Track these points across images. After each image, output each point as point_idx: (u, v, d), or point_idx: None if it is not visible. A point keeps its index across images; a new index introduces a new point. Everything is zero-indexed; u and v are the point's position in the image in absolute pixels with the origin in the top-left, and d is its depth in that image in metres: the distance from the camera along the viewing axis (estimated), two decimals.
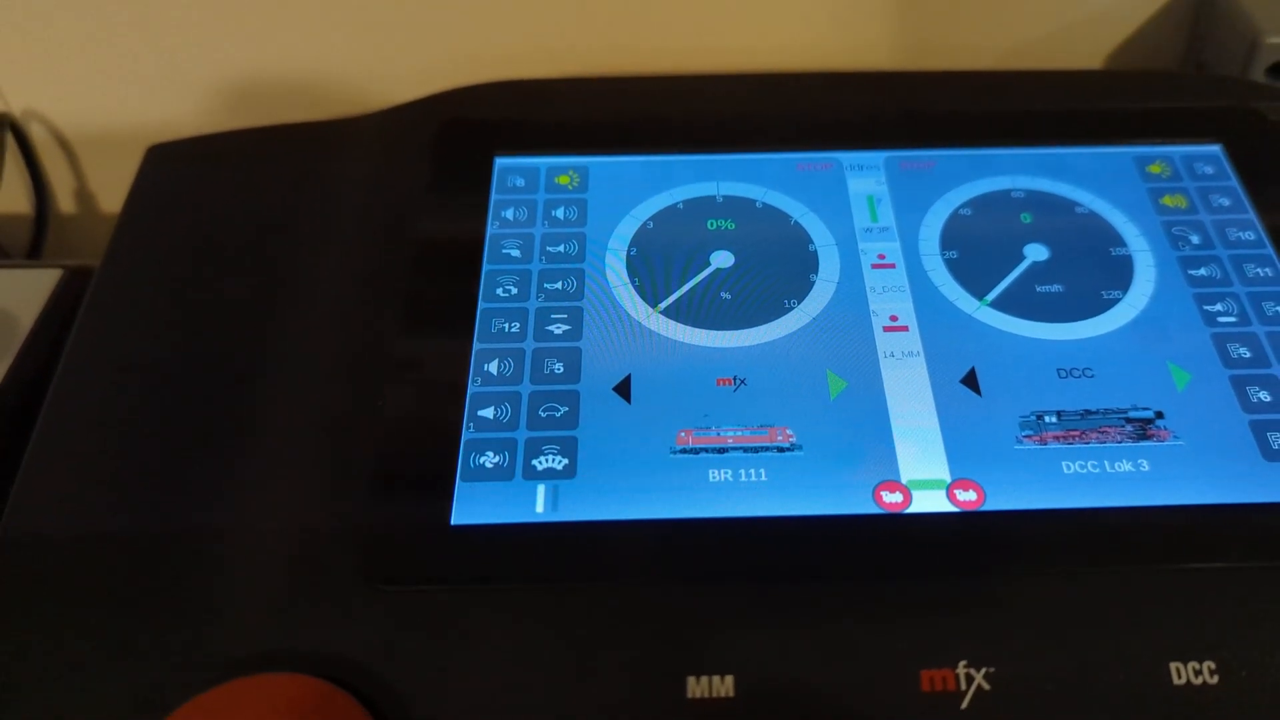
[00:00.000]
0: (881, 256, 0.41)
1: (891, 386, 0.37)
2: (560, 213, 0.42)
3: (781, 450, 0.35)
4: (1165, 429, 0.36)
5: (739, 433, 0.36)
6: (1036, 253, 0.41)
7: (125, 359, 0.39)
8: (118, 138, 0.57)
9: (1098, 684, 0.30)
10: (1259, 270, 0.40)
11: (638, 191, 0.43)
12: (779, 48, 0.54)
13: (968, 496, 0.34)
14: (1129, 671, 0.31)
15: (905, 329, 0.39)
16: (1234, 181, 0.43)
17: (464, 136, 0.45)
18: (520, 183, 0.43)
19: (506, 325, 0.39)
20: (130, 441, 0.37)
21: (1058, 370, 0.37)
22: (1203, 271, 0.40)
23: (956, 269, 0.40)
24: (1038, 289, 0.40)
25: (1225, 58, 0.52)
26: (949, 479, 0.34)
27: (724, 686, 0.30)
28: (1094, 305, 0.39)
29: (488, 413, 0.36)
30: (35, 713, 0.31)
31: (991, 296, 0.40)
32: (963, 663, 0.31)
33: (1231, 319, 0.39)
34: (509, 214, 0.42)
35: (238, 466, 0.36)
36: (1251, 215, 0.42)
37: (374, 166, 0.45)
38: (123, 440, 0.37)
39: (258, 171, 0.46)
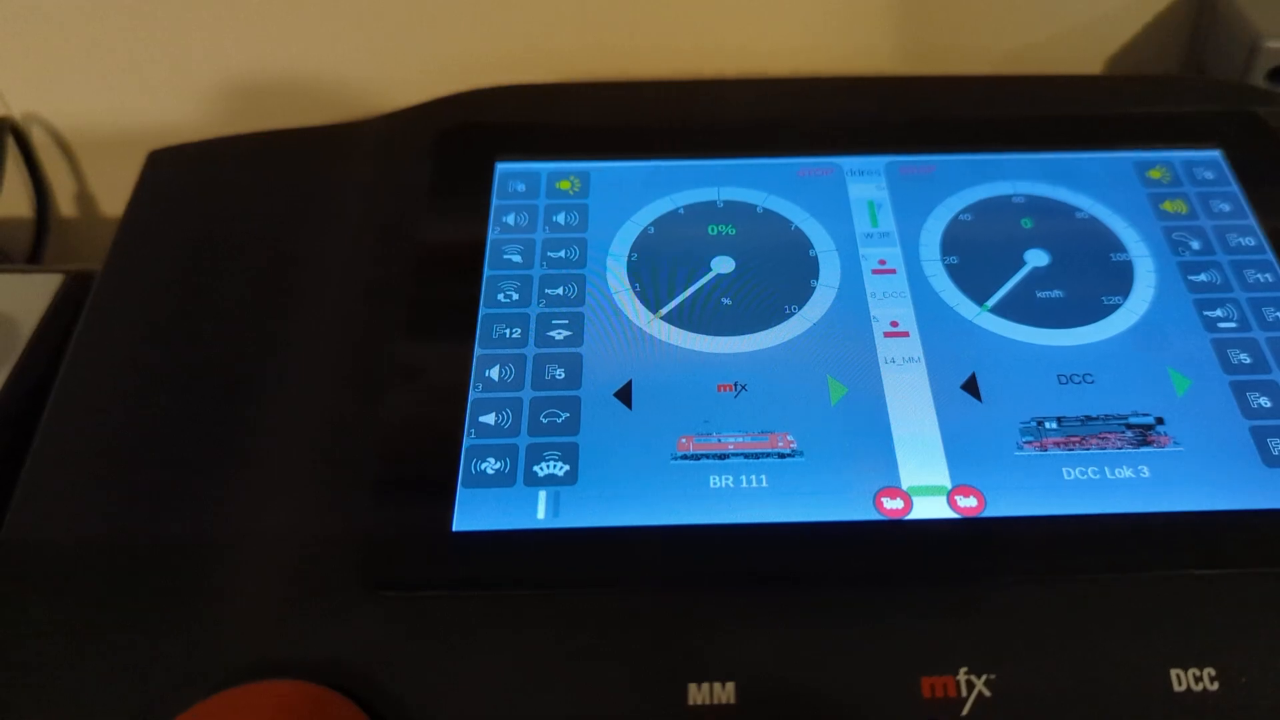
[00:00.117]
0: (882, 262, 0.41)
1: (892, 392, 0.37)
2: (561, 218, 0.42)
3: (782, 456, 0.35)
4: (1165, 435, 0.36)
5: (740, 439, 0.36)
6: (1037, 258, 0.41)
7: (127, 365, 0.39)
8: (119, 142, 0.57)
9: (1098, 691, 0.31)
10: (1259, 276, 0.40)
11: (639, 197, 0.43)
12: (779, 51, 0.54)
13: (968, 503, 0.34)
14: (1129, 678, 0.31)
15: (906, 334, 0.39)
16: (1234, 186, 0.43)
17: (465, 141, 0.45)
18: (521, 188, 0.44)
19: (508, 331, 0.39)
20: (131, 447, 0.37)
21: (1058, 376, 0.37)
22: (1203, 277, 0.40)
23: (957, 274, 0.40)
24: (1038, 294, 0.40)
25: (1225, 62, 0.52)
26: (950, 485, 0.35)
27: (725, 693, 0.31)
28: (1094, 311, 0.39)
29: (489, 419, 0.36)
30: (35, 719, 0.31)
31: (992, 302, 0.40)
32: (963, 669, 0.31)
33: (1232, 324, 0.39)
34: (510, 219, 0.42)
35: (239, 472, 0.36)
36: (1252, 220, 0.42)
37: (375, 171, 0.45)
38: (124, 446, 0.37)
39: (259, 177, 0.46)
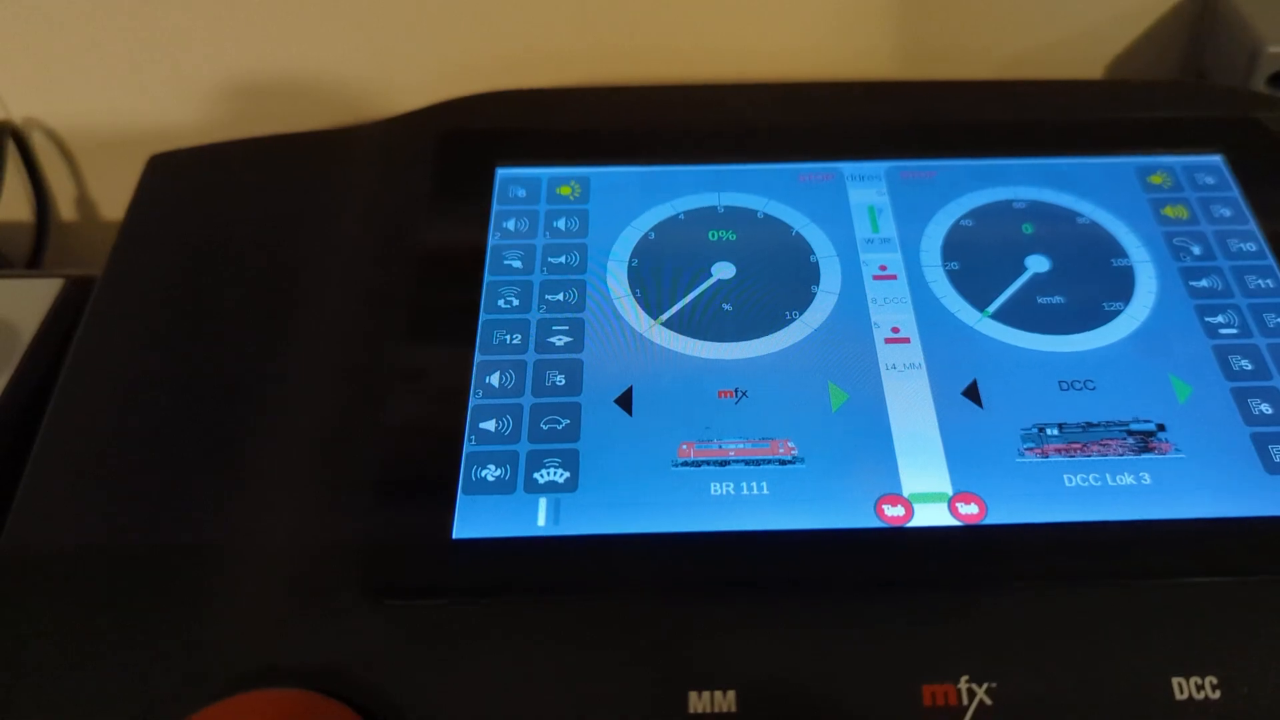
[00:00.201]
0: (883, 268, 0.41)
1: (893, 399, 0.37)
2: (562, 223, 0.42)
3: (783, 463, 0.35)
4: (1167, 442, 0.36)
5: (740, 445, 0.36)
6: (1038, 264, 0.41)
7: (127, 370, 0.39)
8: (119, 145, 0.57)
9: (1099, 699, 0.30)
10: (1260, 282, 0.40)
11: (639, 202, 0.43)
12: (780, 53, 0.54)
13: (969, 510, 0.34)
14: (1131, 686, 0.31)
15: (907, 341, 0.39)
16: (1235, 192, 0.43)
17: (465, 147, 0.45)
18: (522, 193, 0.43)
19: (508, 337, 0.39)
20: (131, 453, 0.37)
21: (1059, 382, 0.37)
22: (1204, 283, 0.40)
23: (958, 280, 0.40)
24: (1039, 300, 0.40)
25: (1226, 67, 0.52)
26: (951, 492, 0.34)
27: (726, 701, 0.30)
28: (1095, 317, 0.39)
29: (489, 425, 0.36)
30: None
31: (993, 308, 0.40)
32: (964, 677, 0.31)
33: (1233, 331, 0.39)
34: (510, 225, 0.42)
35: (239, 478, 0.36)
36: (1253, 226, 0.42)
37: (375, 176, 0.45)
38: (124, 452, 0.37)
39: (259, 182, 0.46)
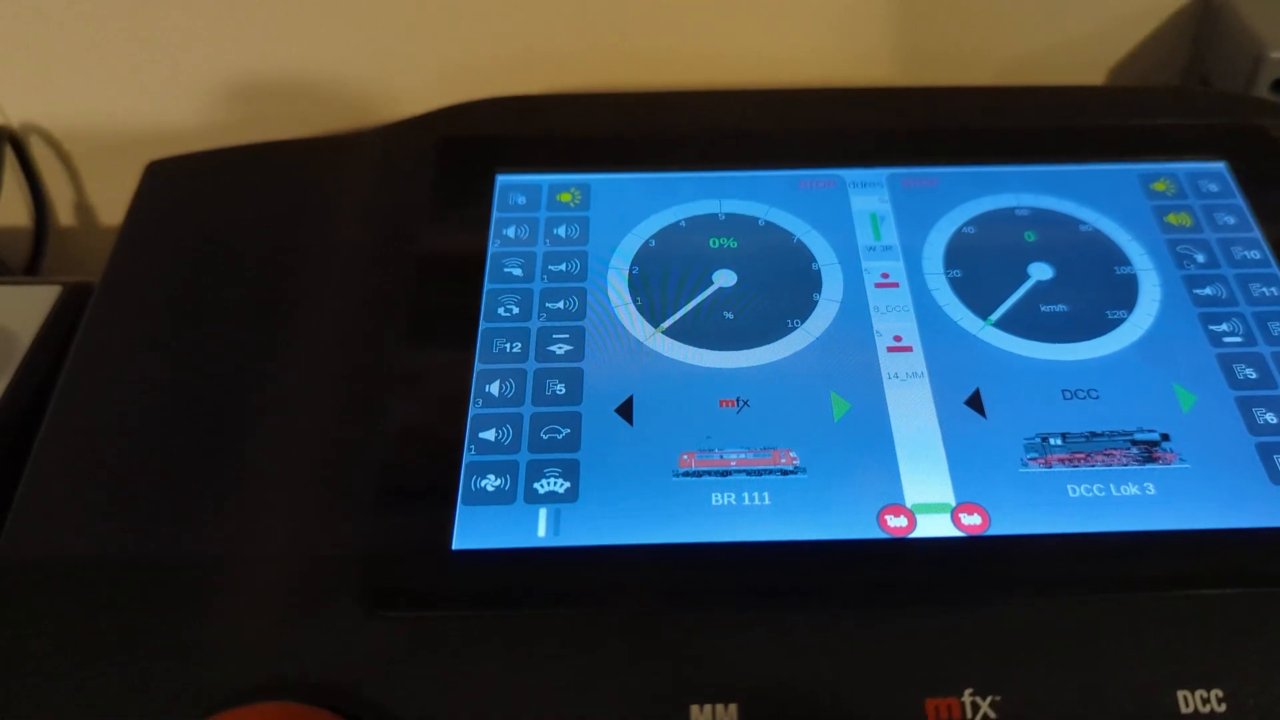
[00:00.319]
0: (885, 275, 0.41)
1: (895, 408, 0.37)
2: (562, 230, 0.42)
3: (785, 473, 0.35)
4: (1171, 452, 0.35)
5: (742, 455, 0.35)
6: (1041, 272, 0.41)
7: (125, 377, 0.39)
8: (118, 150, 0.57)
9: (1104, 712, 0.30)
10: (1265, 290, 0.40)
11: (640, 209, 0.43)
12: (780, 58, 0.54)
13: (973, 520, 0.34)
14: (1136, 700, 0.30)
15: (909, 349, 0.38)
16: (1239, 199, 0.43)
17: (465, 153, 0.45)
18: (522, 200, 0.43)
19: (508, 345, 0.38)
20: (129, 462, 0.36)
21: (1063, 391, 0.37)
22: (1208, 291, 0.40)
23: (961, 288, 0.40)
24: (1042, 308, 0.40)
25: (1229, 73, 0.52)
26: (954, 503, 0.34)
27: (728, 715, 0.30)
28: (1099, 325, 0.39)
29: (489, 435, 0.36)
30: None
31: (996, 316, 0.39)
32: (968, 691, 0.31)
33: (1237, 339, 0.39)
34: (510, 232, 0.42)
35: (237, 488, 0.36)
36: (1257, 233, 0.42)
37: (375, 183, 0.45)
38: (121, 461, 0.36)
39: (258, 188, 0.45)
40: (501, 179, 0.44)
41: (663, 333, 0.39)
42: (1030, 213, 0.43)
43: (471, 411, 0.36)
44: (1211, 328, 0.39)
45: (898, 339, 0.39)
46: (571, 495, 0.34)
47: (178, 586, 0.33)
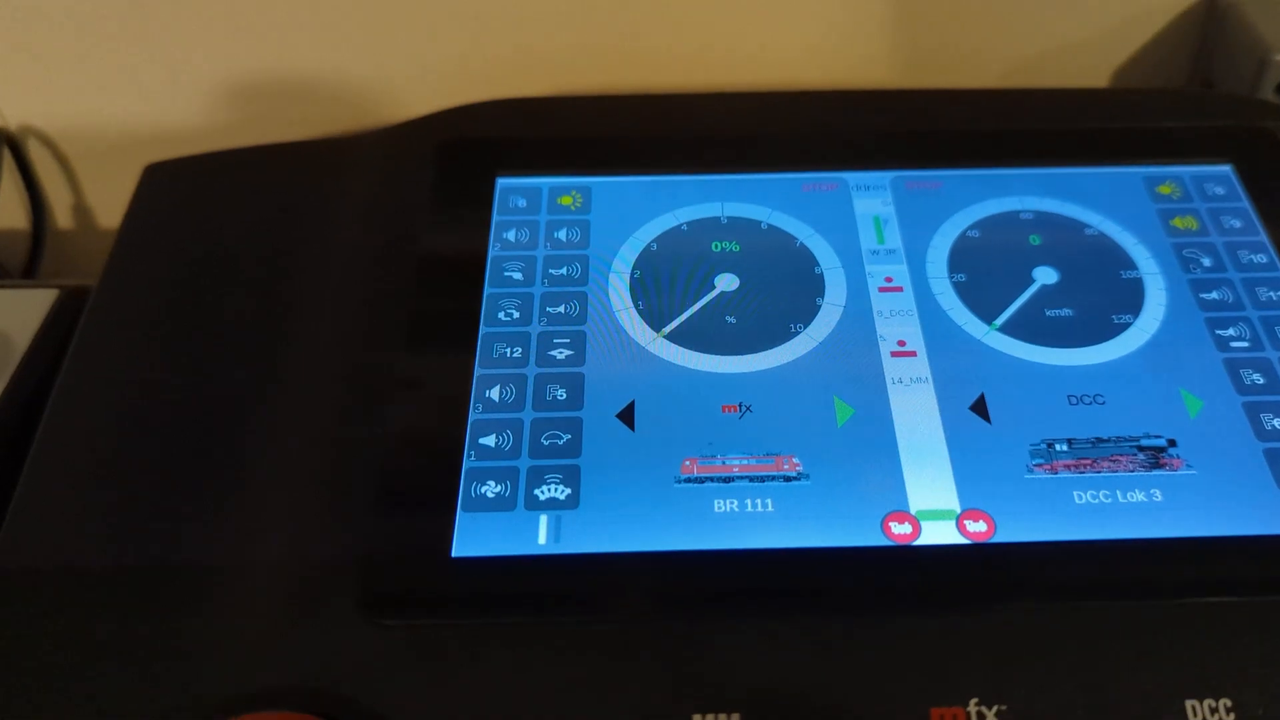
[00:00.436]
0: (889, 279, 0.40)
1: (900, 414, 0.36)
2: (563, 234, 0.42)
3: (788, 480, 0.35)
4: (1178, 458, 0.35)
5: (745, 461, 0.35)
6: (1046, 275, 0.41)
7: (122, 381, 0.39)
8: (116, 152, 0.57)
9: None
10: (1272, 294, 0.40)
11: (641, 212, 0.43)
12: (783, 60, 0.54)
13: (978, 528, 0.34)
14: (1144, 709, 0.30)
15: (913, 354, 0.38)
16: (1245, 202, 0.43)
17: (465, 156, 0.45)
18: (522, 203, 0.43)
19: (508, 350, 0.38)
20: (126, 466, 0.36)
21: (1068, 397, 0.37)
22: (1214, 295, 0.40)
23: (965, 292, 0.40)
24: (1047, 313, 0.39)
25: (1233, 75, 0.51)
26: (959, 509, 0.34)
27: None
28: (1104, 330, 0.39)
29: (489, 440, 0.36)
30: None
31: (1001, 321, 0.39)
32: (974, 700, 0.30)
33: (1244, 344, 0.38)
34: (511, 235, 0.42)
35: (235, 493, 0.35)
36: (1263, 237, 0.42)
37: (374, 186, 0.44)
38: (118, 464, 0.36)
39: (256, 191, 0.45)
40: (502, 182, 0.44)
41: (664, 337, 0.39)
42: (1035, 216, 0.43)
43: (472, 417, 0.36)
44: (1218, 332, 0.39)
45: (901, 344, 0.38)
46: (572, 501, 0.34)
47: (174, 591, 0.33)
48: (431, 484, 0.34)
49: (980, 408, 0.36)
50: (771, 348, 0.38)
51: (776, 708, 0.30)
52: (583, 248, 0.41)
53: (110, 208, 0.60)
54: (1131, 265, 0.41)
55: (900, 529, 0.33)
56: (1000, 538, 0.33)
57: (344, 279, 0.41)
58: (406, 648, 0.31)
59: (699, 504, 0.34)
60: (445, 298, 0.40)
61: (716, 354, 0.38)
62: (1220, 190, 0.43)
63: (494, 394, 0.37)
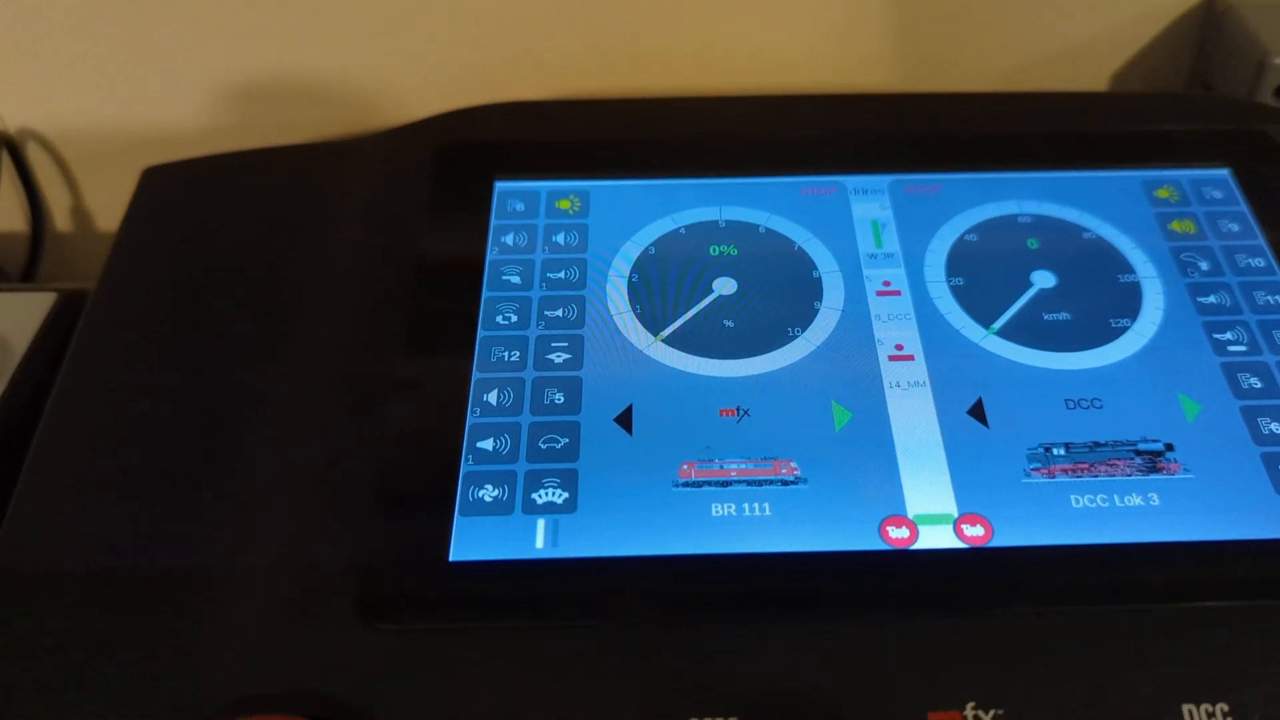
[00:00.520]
0: (886, 283, 0.40)
1: (897, 418, 0.36)
2: (561, 238, 0.42)
3: (786, 484, 0.35)
4: (1175, 462, 0.35)
5: (742, 465, 0.35)
6: (1043, 279, 0.41)
7: (120, 385, 0.39)
8: (116, 155, 0.57)
9: None
10: (1269, 298, 0.40)
11: (639, 216, 0.43)
12: (781, 64, 0.54)
13: (975, 532, 0.34)
14: (1141, 713, 0.30)
15: (911, 358, 0.38)
16: (1243, 206, 0.43)
17: (463, 160, 0.45)
18: (520, 207, 0.43)
19: (506, 354, 0.38)
20: (124, 470, 0.36)
21: (1066, 400, 0.37)
22: (1212, 299, 0.40)
23: (963, 296, 0.40)
24: (1045, 317, 0.39)
25: (1232, 79, 0.51)
26: (956, 513, 0.34)
27: None
28: (1102, 334, 0.39)
29: (487, 444, 0.36)
30: None
31: (998, 324, 0.39)
32: (971, 704, 0.30)
33: (1242, 348, 0.38)
34: (509, 239, 0.42)
35: (232, 497, 0.35)
36: (1261, 241, 0.42)
37: (372, 189, 0.44)
38: (116, 468, 0.36)
39: (255, 194, 0.45)
40: (500, 185, 0.44)
41: (662, 341, 0.39)
42: (1033, 220, 0.43)
43: (469, 421, 0.36)
44: (1216, 336, 0.39)
45: (899, 347, 0.38)
46: (570, 506, 0.34)
47: (172, 595, 0.33)
48: (429, 488, 0.35)
49: (978, 412, 0.36)
50: (769, 351, 0.38)
51: (774, 712, 0.30)
52: (581, 251, 0.41)
53: (109, 211, 0.60)
54: (1129, 269, 0.41)
55: (898, 533, 0.34)
56: (998, 542, 0.33)
57: (342, 282, 0.41)
58: (404, 652, 0.31)
59: (696, 508, 0.34)
60: (443, 301, 0.40)
61: (714, 358, 0.38)
62: (1218, 194, 0.43)
63: (492, 398, 0.37)
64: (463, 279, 0.40)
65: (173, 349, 0.40)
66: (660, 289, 0.40)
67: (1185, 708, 0.30)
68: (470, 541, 0.33)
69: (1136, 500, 0.34)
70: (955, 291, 0.40)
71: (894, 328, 0.39)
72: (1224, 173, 0.44)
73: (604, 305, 0.40)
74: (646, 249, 0.42)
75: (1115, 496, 0.34)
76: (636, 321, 0.39)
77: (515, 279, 0.40)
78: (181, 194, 0.46)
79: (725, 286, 0.40)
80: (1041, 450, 0.35)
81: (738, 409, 0.37)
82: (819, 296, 0.40)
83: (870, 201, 0.43)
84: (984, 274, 0.41)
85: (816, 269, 0.41)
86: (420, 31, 0.52)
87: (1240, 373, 0.37)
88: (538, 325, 0.39)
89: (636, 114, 0.48)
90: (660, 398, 0.37)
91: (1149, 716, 0.30)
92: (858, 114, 0.48)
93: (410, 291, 0.40)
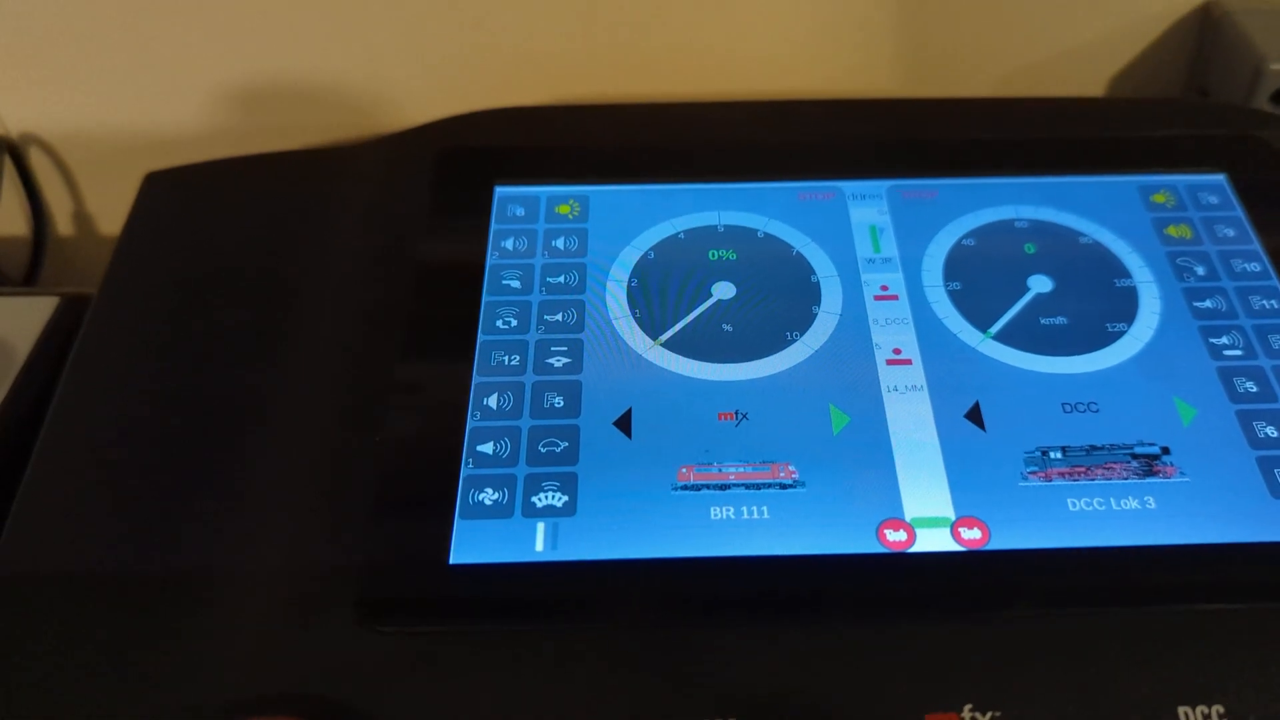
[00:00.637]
0: (884, 288, 0.41)
1: (895, 421, 0.36)
2: (560, 243, 0.42)
3: (784, 487, 0.35)
4: (1171, 465, 0.35)
5: (741, 469, 0.35)
6: (1040, 284, 0.41)
7: (122, 389, 0.39)
8: (117, 160, 0.57)
9: None
10: (1265, 302, 0.40)
11: (638, 221, 0.43)
12: (778, 69, 0.54)
13: (972, 535, 0.34)
14: (1137, 716, 0.30)
15: (909, 362, 0.38)
16: (1239, 211, 0.43)
17: (463, 165, 0.45)
18: (520, 212, 0.43)
19: (506, 358, 0.38)
20: (125, 473, 0.36)
21: (1062, 404, 0.37)
22: (1208, 304, 0.40)
23: (960, 301, 0.40)
24: (1042, 321, 0.39)
25: (1228, 84, 0.52)
26: (953, 517, 0.34)
27: None
28: (1098, 338, 0.39)
29: (487, 448, 0.36)
30: None
31: (995, 329, 0.39)
32: (968, 706, 0.30)
33: (1237, 352, 0.38)
34: (509, 244, 0.42)
35: (234, 500, 0.35)
36: (1257, 246, 0.42)
37: (373, 194, 0.45)
38: (118, 472, 0.36)
39: (256, 199, 0.45)
40: (500, 190, 0.44)
41: (661, 345, 0.39)
42: (1030, 225, 0.43)
43: (469, 424, 0.36)
44: (1212, 340, 0.39)
45: (897, 351, 0.39)
46: (570, 509, 0.34)
47: (174, 598, 0.33)
48: (429, 491, 0.35)
49: (975, 415, 0.37)
50: (768, 356, 0.38)
51: (772, 714, 0.30)
52: (580, 256, 0.42)
53: (111, 215, 0.60)
54: (1126, 274, 0.41)
55: (895, 536, 0.34)
56: (995, 545, 0.33)
57: (343, 287, 0.41)
58: (404, 654, 0.32)
59: (695, 511, 0.34)
60: (443, 306, 0.40)
61: (713, 362, 0.38)
62: (1214, 199, 0.44)
63: (492, 402, 0.37)
64: (463, 283, 0.41)
65: (174, 353, 0.40)
66: (659, 293, 0.40)
67: (1181, 710, 0.30)
68: (470, 544, 0.33)
69: (1133, 504, 0.34)
70: (953, 296, 0.40)
71: (892, 332, 0.39)
72: (1220, 178, 0.44)
73: (603, 310, 0.40)
74: (646, 254, 0.42)
75: (1112, 500, 0.34)
76: (636, 326, 0.39)
77: (515, 283, 0.41)
78: (183, 199, 0.46)
79: (724, 291, 0.41)
80: (1038, 454, 0.36)
81: (736, 413, 0.37)
82: (817, 301, 0.40)
83: (868, 206, 0.43)
84: (981, 279, 0.41)
85: (815, 274, 0.41)
86: (421, 37, 0.52)
87: (1236, 377, 0.38)
88: (538, 329, 0.39)
89: (636, 119, 0.48)
90: (659, 401, 0.37)
91: (1145, 719, 0.30)
92: (856, 119, 0.48)
93: (411, 296, 0.40)
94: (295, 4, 0.51)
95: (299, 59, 0.53)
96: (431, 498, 0.34)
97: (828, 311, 0.40)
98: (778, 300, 0.40)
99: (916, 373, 0.38)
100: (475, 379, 0.38)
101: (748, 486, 0.35)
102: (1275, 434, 0.36)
